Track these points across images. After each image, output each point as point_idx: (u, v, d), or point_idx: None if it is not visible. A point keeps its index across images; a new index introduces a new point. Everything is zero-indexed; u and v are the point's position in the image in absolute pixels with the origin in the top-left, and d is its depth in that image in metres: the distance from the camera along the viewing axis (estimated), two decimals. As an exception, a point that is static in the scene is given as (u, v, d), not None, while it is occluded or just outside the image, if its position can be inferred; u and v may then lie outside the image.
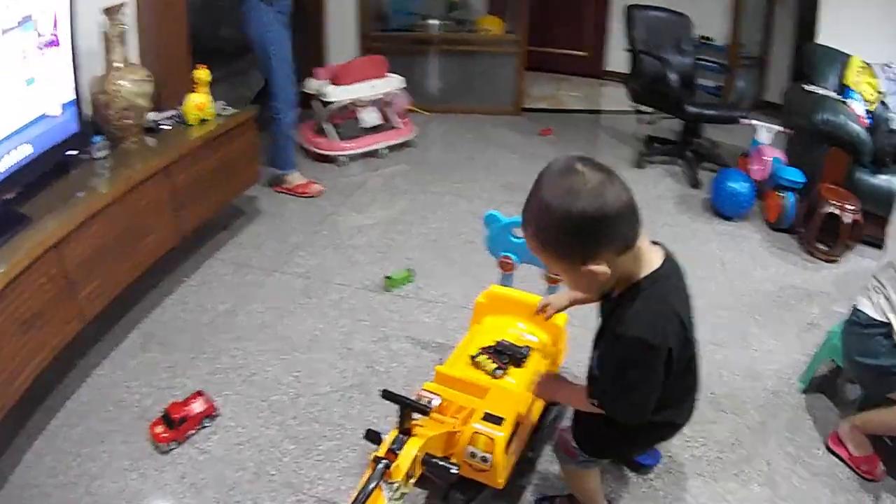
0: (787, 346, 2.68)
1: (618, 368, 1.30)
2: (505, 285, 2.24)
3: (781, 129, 3.95)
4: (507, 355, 1.91)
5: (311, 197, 3.73)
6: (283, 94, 3.46)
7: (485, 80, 5.30)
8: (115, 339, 2.45)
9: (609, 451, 1.70)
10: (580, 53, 6.66)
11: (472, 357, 1.89)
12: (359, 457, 1.95)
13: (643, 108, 4.75)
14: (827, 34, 4.37)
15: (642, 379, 1.28)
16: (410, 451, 1.37)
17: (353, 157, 4.19)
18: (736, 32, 5.69)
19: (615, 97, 5.67)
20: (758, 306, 2.96)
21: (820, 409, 2.31)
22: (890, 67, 4.04)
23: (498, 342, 1.94)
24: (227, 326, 2.55)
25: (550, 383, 1.72)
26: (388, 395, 1.50)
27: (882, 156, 3.52)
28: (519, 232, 2.15)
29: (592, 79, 6.60)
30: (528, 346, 1.95)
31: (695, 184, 4.18)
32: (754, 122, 4.02)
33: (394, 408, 1.42)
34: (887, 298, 1.93)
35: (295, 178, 3.76)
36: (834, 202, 3.35)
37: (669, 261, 1.32)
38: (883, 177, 3.51)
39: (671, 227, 3.62)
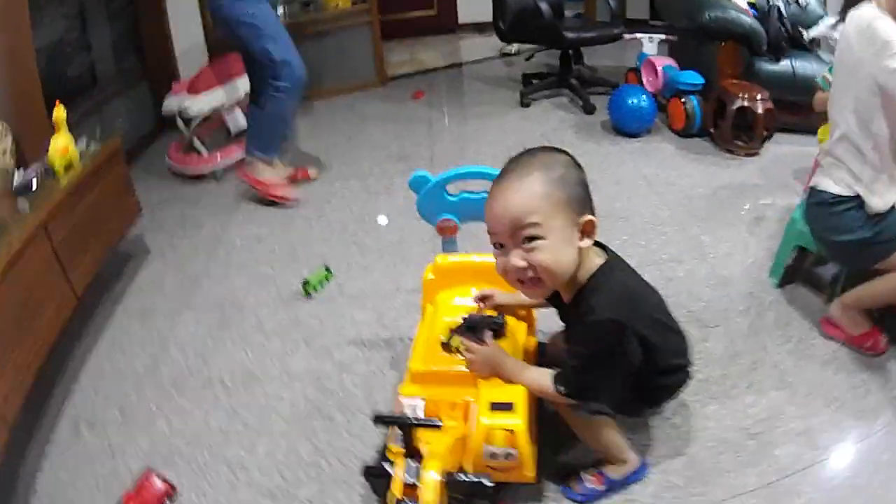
0: (742, 245, 2.63)
1: (592, 354, 1.33)
2: (449, 251, 2.00)
3: (664, 36, 3.94)
4: (483, 328, 1.62)
5: (284, 201, 3.33)
6: (287, 70, 3.05)
7: (343, 57, 5.02)
8: (47, 431, 2.03)
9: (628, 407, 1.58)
10: (429, 13, 6.45)
11: (444, 343, 1.62)
12: (352, 496, 1.63)
13: (509, 48, 4.60)
14: None
15: (616, 363, 1.34)
16: (433, 478, 1.11)
17: (228, 168, 3.77)
18: None
19: (475, 47, 5.55)
20: (697, 213, 2.91)
21: (801, 299, 2.26)
22: None
23: (466, 317, 1.66)
24: (151, 386, 2.17)
25: (496, 357, 1.49)
26: (380, 419, 1.29)
27: (777, 42, 3.56)
28: (453, 188, 1.91)
29: (448, 35, 6.43)
30: (500, 313, 1.70)
31: (589, 109, 4.10)
32: (637, 34, 3.99)
33: (367, 426, 1.15)
34: (849, 171, 1.90)
35: (273, 172, 3.31)
36: (743, 96, 3.34)
37: (609, 251, 1.46)
38: (783, 62, 3.55)
39: (580, 155, 3.41)
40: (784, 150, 3.40)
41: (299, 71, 3.07)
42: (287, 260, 2.84)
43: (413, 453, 1.20)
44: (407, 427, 1.21)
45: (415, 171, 1.93)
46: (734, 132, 3.40)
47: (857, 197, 1.89)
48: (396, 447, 1.32)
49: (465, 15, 6.25)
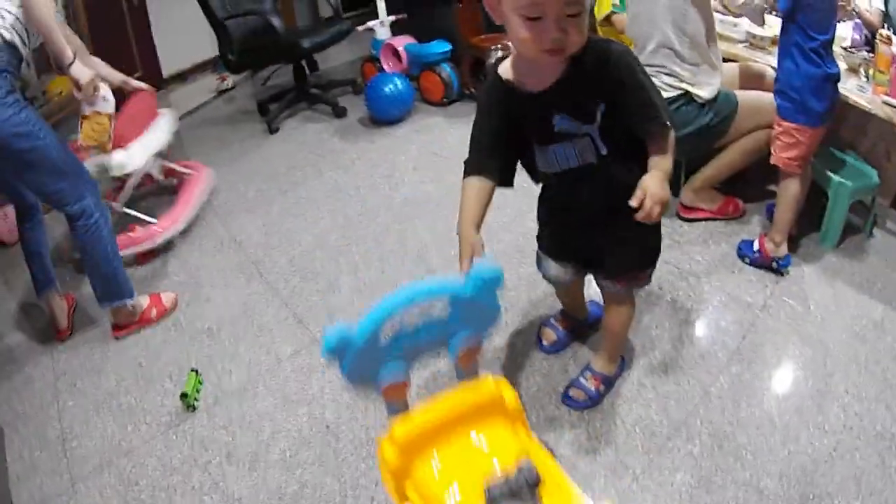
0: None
1: (641, 81, 1.35)
2: (396, 413, 1.34)
3: (395, 17, 4.03)
4: (521, 488, 1.13)
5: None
6: (86, 185, 2.30)
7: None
8: None
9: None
10: (133, 76, 5.92)
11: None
12: None
13: (225, 84, 4.51)
14: None
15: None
16: None
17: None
18: None
19: (189, 95, 5.22)
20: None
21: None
22: None
23: (489, 489, 1.12)
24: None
25: (657, 184, 1.35)
26: None
27: None
28: (391, 327, 1.23)
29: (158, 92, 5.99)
30: (525, 463, 1.16)
31: (340, 113, 4.07)
32: (369, 24, 4.04)
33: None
34: (671, 74, 2.23)
35: (142, 302, 2.52)
36: (497, 47, 3.55)
37: None
38: None
39: (358, 157, 3.53)
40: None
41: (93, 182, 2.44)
42: (143, 385, 2.27)
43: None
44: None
45: (324, 333, 1.17)
46: None
47: (686, 93, 2.22)
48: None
49: (168, 67, 5.87)
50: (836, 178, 2.42)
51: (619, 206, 1.33)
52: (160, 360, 2.33)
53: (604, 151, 1.39)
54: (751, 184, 2.68)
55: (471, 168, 1.45)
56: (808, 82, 2.10)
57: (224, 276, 2.67)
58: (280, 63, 4.32)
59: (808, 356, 1.99)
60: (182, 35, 4.86)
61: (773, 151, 2.24)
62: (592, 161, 1.40)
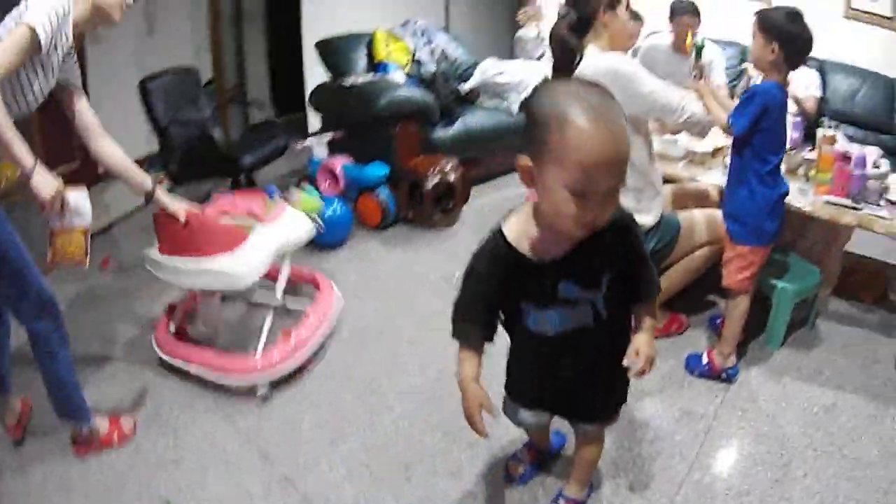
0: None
1: (645, 251, 1.46)
2: None
3: (331, 135, 4.09)
4: None
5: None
6: (48, 302, 2.12)
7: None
8: None
9: None
10: (71, 165, 5.71)
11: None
12: None
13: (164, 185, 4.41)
14: (314, 38, 4.88)
15: None
16: None
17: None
18: (218, 65, 5.66)
19: (125, 195, 4.93)
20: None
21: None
22: (411, 23, 4.55)
23: None
24: None
25: (650, 345, 1.50)
26: None
27: (448, 106, 4.04)
28: None
29: (93, 187, 5.69)
30: None
31: None
32: (306, 141, 4.09)
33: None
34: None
35: (101, 426, 2.34)
36: (434, 171, 3.67)
37: None
38: (453, 127, 4.02)
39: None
40: (479, 203, 3.89)
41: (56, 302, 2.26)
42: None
43: None
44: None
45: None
46: (434, 206, 3.72)
47: None
48: None
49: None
50: (779, 284, 2.59)
51: (609, 363, 1.44)
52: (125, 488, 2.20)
53: (604, 317, 1.42)
54: (690, 296, 2.79)
55: (464, 336, 1.46)
56: (763, 206, 2.27)
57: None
58: (220, 177, 4.25)
59: (763, 451, 2.15)
60: (120, 129, 4.75)
61: (724, 274, 2.42)
62: (589, 324, 1.43)
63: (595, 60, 2.24)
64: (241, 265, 2.35)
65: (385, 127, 3.87)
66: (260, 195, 2.66)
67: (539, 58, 5.83)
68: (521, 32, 6.00)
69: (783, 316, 2.64)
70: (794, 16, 2.18)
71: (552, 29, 2.35)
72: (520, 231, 1.36)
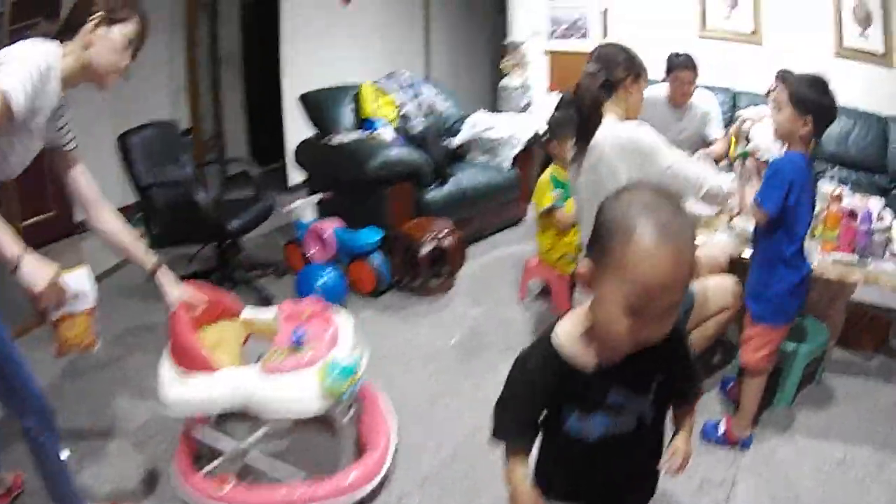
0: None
1: (690, 350, 1.45)
2: None
3: (321, 196, 4.01)
4: None
5: None
6: (35, 401, 2.03)
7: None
8: None
9: None
10: (45, 216, 5.49)
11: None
12: None
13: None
14: (293, 86, 4.92)
15: None
16: None
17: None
18: (196, 113, 5.63)
19: (105, 248, 4.75)
20: (448, 367, 3.14)
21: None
22: (397, 75, 4.55)
23: None
24: None
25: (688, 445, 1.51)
26: None
27: (441, 165, 4.03)
28: None
29: (68, 238, 5.44)
30: None
31: (268, 300, 3.85)
32: (293, 204, 3.97)
33: None
34: None
35: None
36: (429, 237, 3.65)
37: None
38: (446, 186, 4.01)
39: None
40: (474, 266, 3.95)
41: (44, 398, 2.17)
42: None
43: None
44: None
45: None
46: (426, 272, 3.69)
47: None
48: None
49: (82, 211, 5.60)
50: (790, 346, 2.59)
51: (646, 464, 1.45)
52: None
53: (649, 421, 1.38)
54: (701, 360, 2.81)
55: (513, 446, 1.41)
56: (787, 287, 2.27)
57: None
58: (206, 242, 4.16)
59: (782, 511, 2.26)
60: (97, 176, 4.61)
61: (742, 352, 2.42)
62: (632, 429, 1.39)
63: (614, 129, 2.29)
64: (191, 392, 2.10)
65: (377, 189, 3.86)
66: (290, 327, 2.27)
67: (525, 107, 5.90)
68: (505, 81, 6.08)
69: (795, 377, 2.66)
70: (824, 86, 2.18)
71: (581, 84, 2.39)
72: (572, 337, 1.31)
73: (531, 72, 6.15)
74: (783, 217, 2.19)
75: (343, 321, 2.34)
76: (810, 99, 2.14)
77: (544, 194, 3.34)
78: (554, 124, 3.43)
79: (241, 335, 2.41)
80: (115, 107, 4.47)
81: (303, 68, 5.54)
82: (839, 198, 2.80)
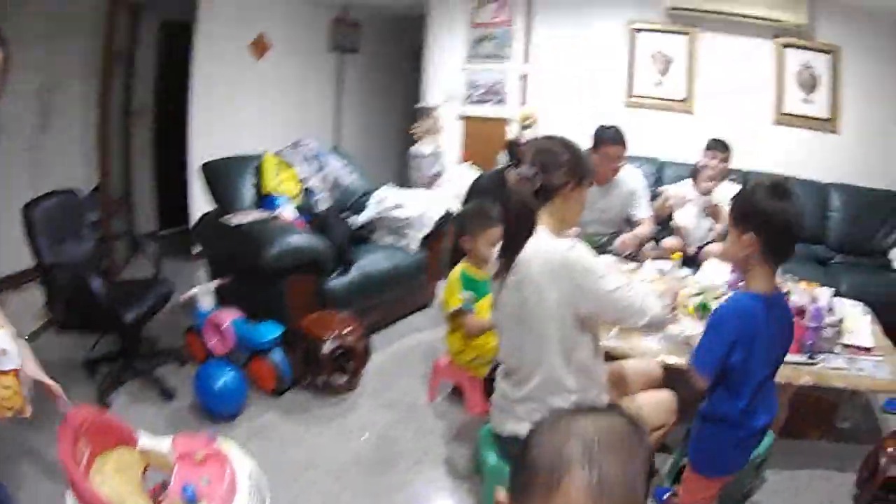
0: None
1: None
2: None
3: (218, 282, 3.71)
4: None
5: None
6: None
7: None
8: None
9: None
10: None
11: None
12: None
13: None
14: (200, 146, 4.82)
15: None
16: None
17: None
18: (104, 172, 5.18)
19: (21, 311, 4.31)
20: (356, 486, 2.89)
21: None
22: (302, 145, 4.22)
23: None
24: None
25: None
26: None
27: (343, 249, 3.79)
28: None
29: None
30: None
31: (168, 395, 3.57)
32: (190, 292, 3.65)
33: None
34: (552, 409, 2.09)
35: None
36: (331, 335, 3.40)
37: None
38: (349, 274, 3.76)
39: None
40: (380, 360, 3.73)
41: None
42: None
43: None
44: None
45: None
46: (330, 372, 3.45)
47: None
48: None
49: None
50: None
51: None
52: None
53: None
54: None
55: None
56: (731, 443, 2.02)
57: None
58: (105, 331, 3.84)
59: None
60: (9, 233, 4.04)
61: (682, 492, 2.22)
62: None
63: (546, 247, 2.00)
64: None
65: (275, 278, 3.62)
66: (184, 471, 2.06)
67: (435, 175, 5.60)
68: (415, 149, 5.78)
69: (742, 485, 2.55)
70: (775, 191, 1.85)
71: (512, 189, 2.07)
72: None
73: (444, 139, 5.91)
74: (725, 375, 1.90)
75: (240, 464, 2.16)
76: (753, 210, 1.83)
77: (453, 294, 3.09)
78: (467, 218, 3.15)
79: (140, 462, 2.21)
80: (34, 157, 4.44)
81: (212, 127, 5.36)
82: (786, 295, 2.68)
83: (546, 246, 2.00)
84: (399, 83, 7.91)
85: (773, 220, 1.80)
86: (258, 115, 5.87)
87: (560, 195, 2.08)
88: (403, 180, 5.86)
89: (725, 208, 4.18)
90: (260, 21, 5.85)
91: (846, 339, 2.80)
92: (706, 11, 5.06)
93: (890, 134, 5.06)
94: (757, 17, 4.95)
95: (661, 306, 2.18)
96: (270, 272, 3.55)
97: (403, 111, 7.69)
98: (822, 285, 3.29)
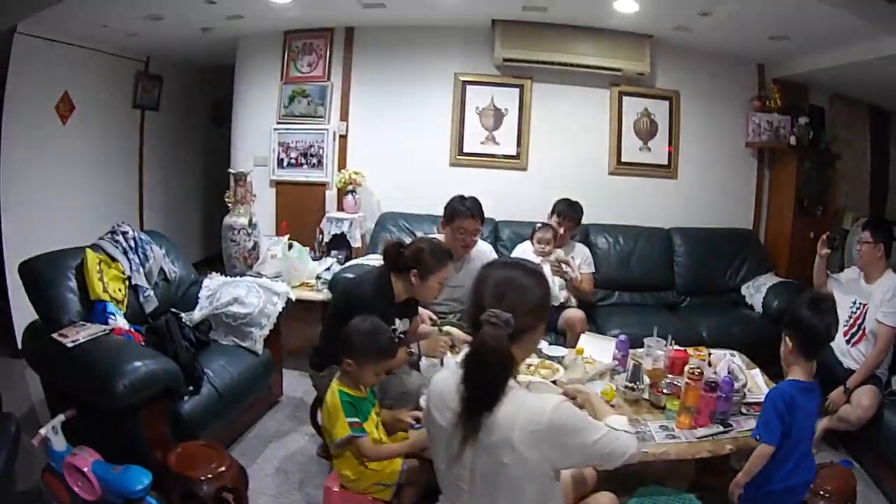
0: None
1: None
2: None
3: (62, 417, 3.15)
4: None
5: None
6: None
7: None
8: None
9: None
10: None
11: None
12: None
13: None
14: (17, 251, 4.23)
15: None
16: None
17: None
18: None
19: None
20: None
21: None
22: (119, 233, 3.93)
23: None
24: None
25: None
26: None
27: (190, 364, 3.43)
28: None
29: None
30: None
31: None
32: (41, 431, 3.06)
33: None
34: None
35: None
36: (205, 477, 2.98)
37: None
38: (202, 390, 3.45)
39: None
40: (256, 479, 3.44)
41: None
42: None
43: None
44: None
45: None
46: None
47: None
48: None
49: None
50: None
51: None
52: None
53: None
54: None
55: None
56: None
57: None
58: None
59: None
60: None
61: None
62: None
63: (529, 414, 1.86)
64: None
65: (127, 415, 3.17)
66: None
67: (252, 249, 5.17)
68: (229, 219, 5.25)
69: None
70: (816, 305, 2.44)
71: (484, 342, 1.88)
72: None
73: (257, 208, 5.57)
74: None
75: None
76: (793, 317, 2.43)
77: (338, 420, 2.82)
78: (356, 341, 2.84)
79: None
80: None
81: (27, 207, 4.80)
82: (699, 375, 2.77)
83: (529, 413, 1.88)
84: (204, 142, 7.55)
85: (807, 328, 2.42)
86: (69, 187, 5.31)
87: (529, 333, 1.95)
88: (212, 250, 5.41)
89: (572, 259, 4.26)
90: (65, 78, 5.25)
91: (747, 398, 2.92)
92: (540, 62, 5.10)
93: (724, 173, 5.45)
94: (594, 67, 5.07)
95: (632, 434, 2.15)
96: (126, 408, 3.11)
97: (207, 174, 7.34)
98: (682, 335, 3.56)
